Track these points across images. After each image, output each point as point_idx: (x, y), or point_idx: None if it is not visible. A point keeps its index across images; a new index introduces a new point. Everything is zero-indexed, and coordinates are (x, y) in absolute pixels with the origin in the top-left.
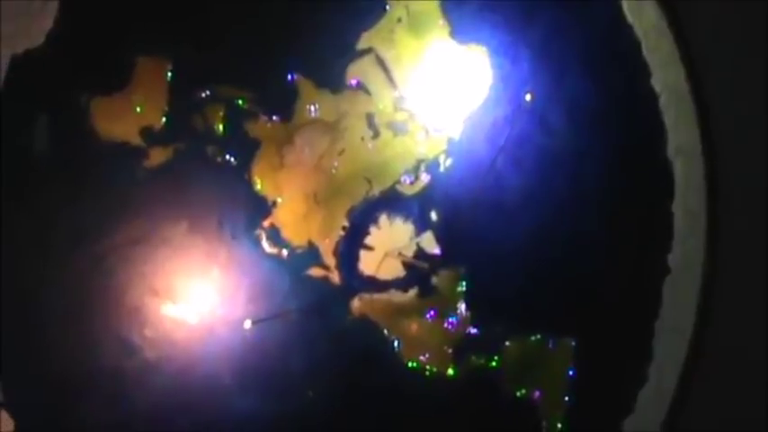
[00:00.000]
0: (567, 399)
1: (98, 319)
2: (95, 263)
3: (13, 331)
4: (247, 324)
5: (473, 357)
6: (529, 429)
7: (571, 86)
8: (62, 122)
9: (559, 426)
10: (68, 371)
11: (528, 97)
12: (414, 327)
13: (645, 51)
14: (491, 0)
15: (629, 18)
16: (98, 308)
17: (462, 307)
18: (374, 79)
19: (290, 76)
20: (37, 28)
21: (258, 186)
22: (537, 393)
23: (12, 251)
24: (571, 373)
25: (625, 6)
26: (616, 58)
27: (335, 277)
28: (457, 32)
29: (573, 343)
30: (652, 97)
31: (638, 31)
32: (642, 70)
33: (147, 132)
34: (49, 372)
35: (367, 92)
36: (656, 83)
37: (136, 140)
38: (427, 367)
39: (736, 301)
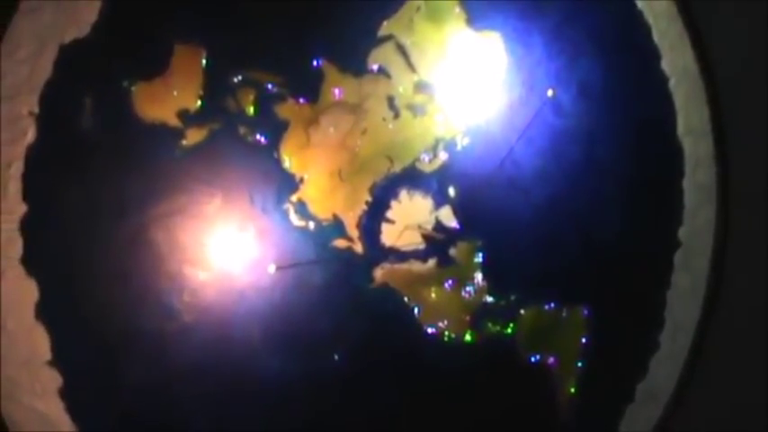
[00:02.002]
0: (579, 364)
1: (140, 284)
2: (138, 232)
3: (63, 294)
4: (272, 269)
5: (489, 324)
6: (543, 393)
7: (584, 70)
8: (107, 105)
9: (572, 390)
10: (113, 331)
11: (550, 93)
12: (432, 295)
13: (655, 35)
14: None
15: (639, 4)
16: (140, 274)
17: (479, 277)
18: (394, 64)
19: (315, 62)
20: (83, 19)
21: (287, 164)
22: (551, 359)
23: (62, 221)
24: (584, 340)
25: None
26: (627, 42)
27: (359, 248)
28: (473, 20)
29: (585, 311)
30: (663, 79)
31: (649, 15)
32: (653, 53)
33: (183, 114)
34: (96, 332)
35: (388, 76)
36: (667, 65)
37: (174, 122)
38: (445, 333)
39: (744, 272)
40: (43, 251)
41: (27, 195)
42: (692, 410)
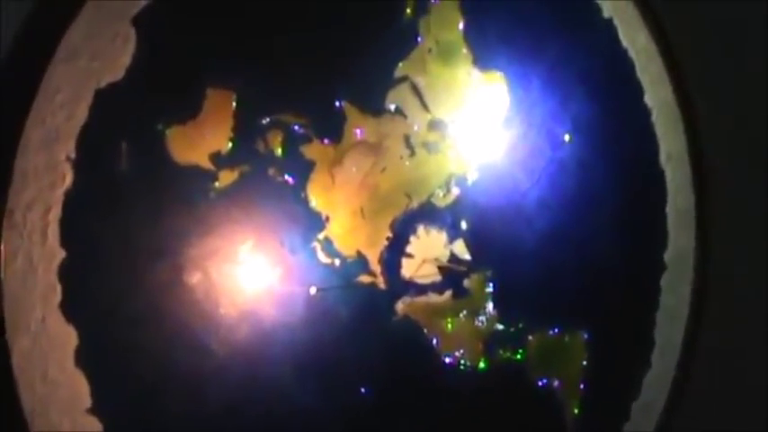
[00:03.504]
0: (582, 386)
1: (177, 325)
2: (174, 274)
3: (101, 339)
4: (313, 290)
5: (501, 351)
6: (550, 415)
7: (576, 107)
8: (142, 149)
9: (576, 411)
10: (150, 374)
11: (567, 137)
12: (449, 325)
13: (638, 72)
14: (506, 33)
15: (624, 43)
16: (177, 315)
17: (490, 306)
18: (410, 104)
19: (338, 103)
20: (118, 64)
21: (313, 203)
22: (556, 382)
23: (100, 265)
24: (584, 362)
25: (620, 32)
26: (614, 78)
27: (381, 283)
28: (478, 61)
29: (585, 335)
30: (646, 112)
31: (632, 53)
32: (637, 88)
33: (215, 157)
34: (133, 375)
35: (404, 115)
36: (649, 99)
37: (206, 164)
38: (461, 361)
39: (726, 289)
40: (81, 296)
41: (64, 241)
42: (681, 423)
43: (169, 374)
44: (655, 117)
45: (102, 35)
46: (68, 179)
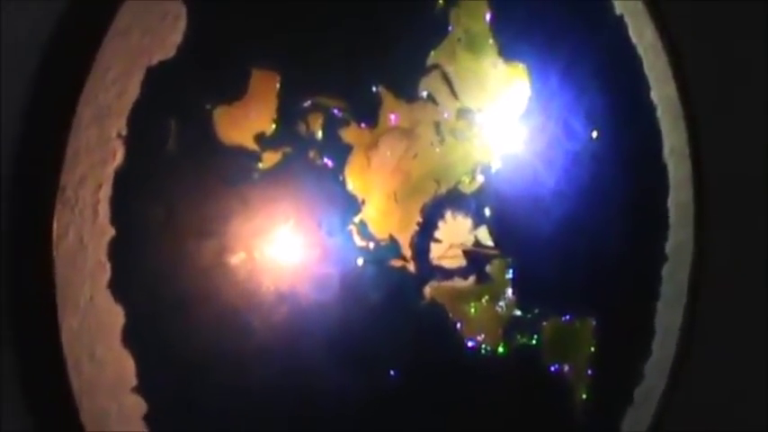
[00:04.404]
0: (590, 372)
1: (221, 305)
2: (219, 254)
3: (147, 318)
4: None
5: (518, 336)
6: (560, 399)
7: (589, 100)
8: (189, 127)
9: (584, 396)
10: (194, 353)
11: (594, 134)
12: (472, 310)
13: (645, 68)
14: (527, 27)
15: (634, 39)
16: (221, 295)
17: (509, 292)
18: (440, 91)
19: (374, 88)
20: (169, 42)
21: (350, 186)
22: (567, 368)
23: (147, 244)
24: (592, 349)
25: (630, 29)
26: (624, 74)
27: (412, 267)
28: (504, 51)
29: (594, 322)
30: (652, 108)
31: (640, 50)
32: (644, 84)
33: (260, 138)
34: (178, 355)
35: (435, 102)
36: (654, 95)
37: (251, 145)
38: (482, 346)
39: (722, 282)
40: (129, 275)
41: (114, 218)
42: (680, 410)
43: (213, 353)
44: (660, 113)
45: (153, 12)
46: (119, 156)
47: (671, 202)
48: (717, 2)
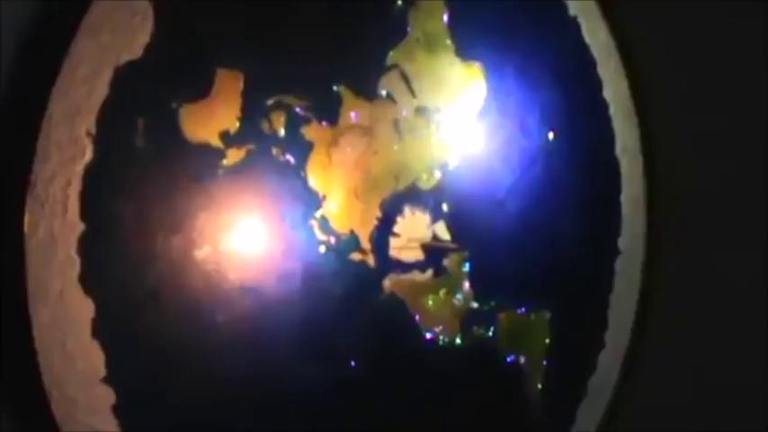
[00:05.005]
0: (545, 363)
1: (188, 299)
2: (186, 248)
3: (116, 311)
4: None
5: (475, 328)
6: (516, 389)
7: (544, 97)
8: (156, 125)
9: (539, 386)
10: (162, 346)
11: (551, 135)
12: (430, 302)
13: (599, 67)
14: (484, 26)
15: (587, 39)
16: (188, 289)
17: (466, 285)
18: (399, 90)
19: (335, 87)
20: (137, 42)
21: (312, 182)
22: (522, 359)
23: (116, 239)
24: (547, 341)
25: (584, 29)
26: (578, 73)
27: (371, 260)
28: (461, 51)
29: (549, 315)
30: (605, 106)
31: (594, 50)
32: (597, 83)
33: (224, 135)
34: (146, 348)
35: (394, 101)
36: (607, 94)
37: (216, 142)
38: (440, 337)
39: (673, 275)
40: (98, 269)
41: (84, 214)
42: (632, 401)
43: (180, 345)
44: (612, 111)
45: (122, 12)
46: (88, 153)
47: (623, 198)
48: (669, 1)
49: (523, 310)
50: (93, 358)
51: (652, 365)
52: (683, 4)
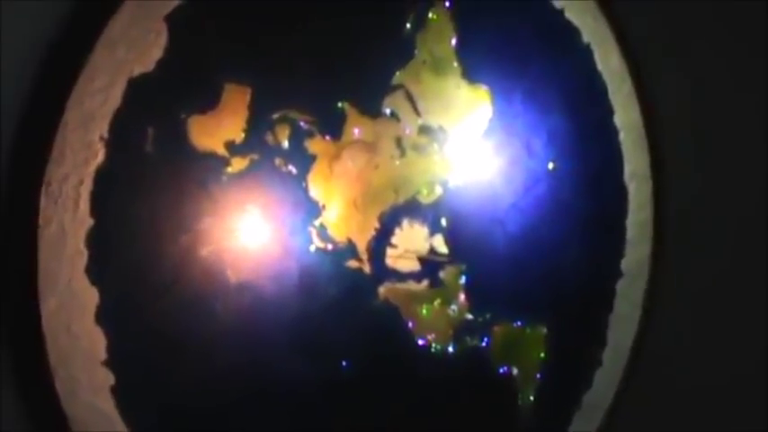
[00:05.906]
0: (538, 376)
1: (190, 292)
2: (190, 246)
3: (120, 301)
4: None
5: (468, 338)
6: (507, 400)
7: (553, 122)
8: (165, 133)
9: (531, 398)
10: (163, 335)
11: (551, 166)
12: (424, 311)
13: (610, 93)
14: (493, 51)
15: (600, 66)
16: (190, 283)
17: (462, 297)
18: (403, 109)
19: (340, 104)
20: (150, 56)
21: (312, 192)
22: (515, 371)
23: (124, 235)
24: (542, 355)
25: (597, 56)
26: (589, 98)
27: (367, 268)
28: (467, 74)
29: (545, 330)
30: (615, 131)
31: (606, 76)
32: (608, 109)
33: (230, 145)
34: (147, 335)
35: (397, 119)
36: (617, 120)
37: (221, 151)
38: (433, 344)
39: (676, 298)
40: (105, 262)
41: (93, 211)
42: (626, 420)
43: (178, 334)
44: (622, 137)
45: (138, 29)
46: (100, 157)
47: (629, 222)
48: (683, 27)
49: (519, 323)
50: (96, 342)
51: (650, 387)
52: (698, 29)
